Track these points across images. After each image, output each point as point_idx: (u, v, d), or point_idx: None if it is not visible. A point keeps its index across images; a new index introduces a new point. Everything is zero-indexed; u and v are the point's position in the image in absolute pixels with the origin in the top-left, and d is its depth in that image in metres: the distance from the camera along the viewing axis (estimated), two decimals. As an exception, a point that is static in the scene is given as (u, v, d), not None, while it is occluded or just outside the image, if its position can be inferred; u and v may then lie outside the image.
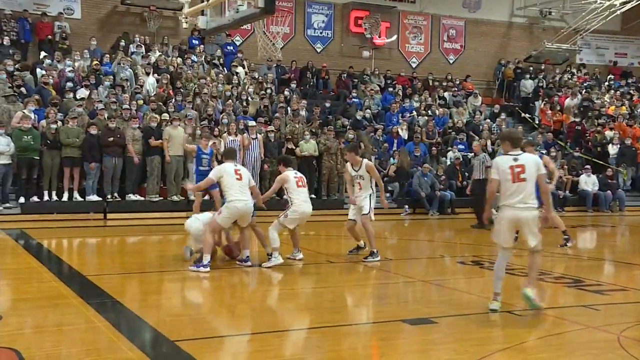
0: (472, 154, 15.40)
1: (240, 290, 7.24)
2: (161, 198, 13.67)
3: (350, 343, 4.97)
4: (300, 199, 8.14)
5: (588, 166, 17.95)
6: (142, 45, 17.41)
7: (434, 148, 17.26)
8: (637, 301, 6.70)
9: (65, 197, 12.88)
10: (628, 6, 20.67)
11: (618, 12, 20.98)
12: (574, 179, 17.77)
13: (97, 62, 16.04)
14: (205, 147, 11.39)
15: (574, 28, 22.24)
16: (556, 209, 16.61)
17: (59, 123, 13.00)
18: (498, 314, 5.69)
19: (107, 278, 7.53)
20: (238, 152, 13.93)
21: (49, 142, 12.65)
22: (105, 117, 13.47)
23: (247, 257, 7.92)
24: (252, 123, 14.82)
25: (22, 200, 12.57)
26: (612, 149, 18.96)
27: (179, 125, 13.75)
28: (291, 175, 8.23)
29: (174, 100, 15.40)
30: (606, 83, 23.19)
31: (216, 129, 14.37)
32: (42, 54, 15.96)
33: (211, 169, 9.15)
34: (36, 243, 10.10)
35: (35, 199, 12.68)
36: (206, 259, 7.48)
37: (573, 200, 17.46)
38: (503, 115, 19.99)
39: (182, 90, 15.95)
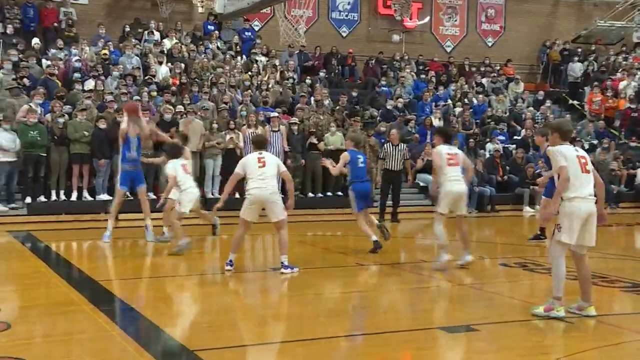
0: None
1: (262, 296, 7.28)
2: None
3: (383, 353, 4.96)
4: (448, 178, 8.17)
5: (647, 158, 17.65)
6: (155, 32, 17.56)
7: (471, 140, 17.10)
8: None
9: (74, 197, 13.06)
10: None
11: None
12: (630, 172, 17.47)
13: (106, 50, 16.22)
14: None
15: (631, 2, 21.73)
16: (610, 205, 16.47)
17: (66, 117, 13.19)
18: (544, 321, 5.63)
19: (119, 283, 7.64)
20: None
21: (56, 137, 12.84)
22: (115, 109, 13.61)
23: (283, 263, 7.86)
24: (273, 114, 14.85)
25: (28, 200, 12.77)
26: (675, 139, 18.61)
27: (195, 118, 13.84)
28: (443, 151, 8.30)
29: (189, 90, 15.51)
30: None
31: (232, 122, 14.44)
32: (34, 40, 16.01)
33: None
34: (44, 246, 10.28)
35: (42, 198, 12.88)
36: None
37: (629, 195, 17.15)
38: (548, 103, 19.73)
39: (197, 80, 16.07)
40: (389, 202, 13.59)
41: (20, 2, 17.14)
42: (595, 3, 23.18)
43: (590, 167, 5.80)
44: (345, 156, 9.61)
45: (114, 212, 10.55)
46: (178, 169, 9.36)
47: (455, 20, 22.68)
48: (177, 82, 15.93)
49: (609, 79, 21.14)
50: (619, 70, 21.59)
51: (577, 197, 5.66)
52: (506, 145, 17.27)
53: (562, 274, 5.74)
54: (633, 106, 19.81)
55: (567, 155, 5.73)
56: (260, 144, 8.14)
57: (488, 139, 17.40)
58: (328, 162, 10.39)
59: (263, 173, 7.73)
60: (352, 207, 9.48)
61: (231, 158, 14.17)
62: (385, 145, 13.70)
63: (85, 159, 13.04)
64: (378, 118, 17.24)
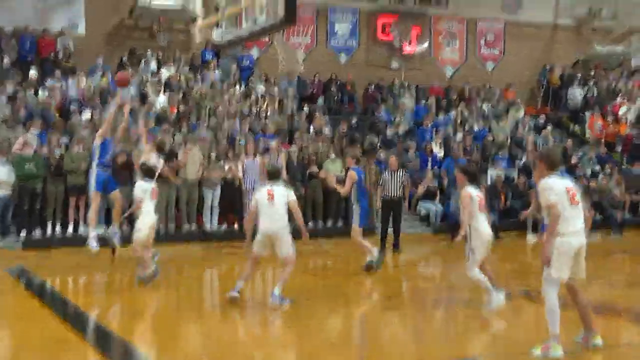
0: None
1: (259, 329, 7.16)
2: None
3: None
4: (481, 224, 7.73)
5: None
6: (152, 61, 17.63)
7: (472, 165, 17.05)
8: None
9: (70, 229, 12.98)
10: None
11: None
12: (633, 198, 17.39)
13: (105, 79, 16.25)
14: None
15: (628, 28, 21.89)
16: (614, 232, 16.39)
17: (63, 148, 13.17)
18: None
19: (117, 319, 7.52)
20: (259, 175, 14.04)
21: (52, 169, 12.80)
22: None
23: (274, 293, 7.83)
24: (272, 143, 14.85)
25: (23, 233, 12.68)
26: (678, 164, 18.55)
27: (193, 148, 13.82)
28: (474, 194, 7.84)
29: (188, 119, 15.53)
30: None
31: (231, 151, 14.43)
32: (31, 71, 16.03)
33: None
34: (39, 281, 10.16)
35: (38, 231, 12.79)
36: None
37: (634, 222, 17.03)
38: (549, 128, 19.74)
39: (195, 108, 16.09)
40: (390, 230, 13.45)
41: (18, 34, 17.23)
42: (593, 28, 23.31)
43: (579, 197, 5.75)
44: (352, 175, 9.93)
45: (93, 219, 10.25)
46: (147, 194, 9.09)
47: (455, 45, 22.80)
48: (175, 110, 15.95)
49: (609, 104, 21.18)
50: (619, 95, 21.65)
51: (567, 232, 5.60)
52: (508, 171, 17.21)
53: (556, 310, 5.62)
54: (635, 131, 19.81)
55: (556, 190, 5.66)
56: (273, 175, 8.25)
57: (490, 165, 17.36)
58: (333, 180, 10.54)
59: (271, 207, 7.83)
60: (355, 222, 9.78)
61: (230, 188, 14.18)
62: (384, 172, 13.64)
63: (82, 190, 12.96)
64: (378, 145, 17.22)
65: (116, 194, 10.37)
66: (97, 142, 10.06)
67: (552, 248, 5.62)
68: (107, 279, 10.08)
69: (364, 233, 10.95)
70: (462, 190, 7.84)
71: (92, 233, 10.13)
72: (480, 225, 7.64)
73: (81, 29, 18.35)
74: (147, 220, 9.02)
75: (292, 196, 8.06)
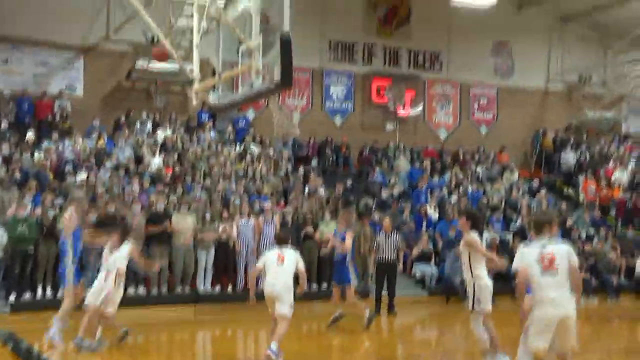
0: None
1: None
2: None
3: None
4: (484, 271, 7.58)
5: (645, 247, 17.56)
6: (148, 123, 17.80)
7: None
8: None
9: (61, 292, 12.77)
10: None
11: (664, 78, 21.15)
12: (629, 263, 17.33)
13: (102, 141, 16.34)
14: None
15: (618, 94, 22.37)
16: (610, 297, 16.26)
17: (58, 210, 13.12)
18: None
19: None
20: (253, 237, 14.02)
21: (45, 230, 12.71)
22: (105, 200, 13.59)
23: (272, 348, 7.78)
24: (267, 204, 14.86)
25: (12, 296, 12.45)
26: (671, 227, 18.63)
27: (187, 214, 13.81)
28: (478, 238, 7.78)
29: (182, 180, 15.57)
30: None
31: (225, 212, 14.41)
32: (28, 134, 16.08)
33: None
34: (27, 347, 9.91)
35: (27, 295, 12.58)
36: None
37: (630, 286, 16.92)
38: (543, 191, 19.86)
39: (190, 169, 16.15)
40: (384, 293, 13.33)
41: (16, 97, 17.43)
42: (583, 94, 23.80)
43: (560, 264, 5.61)
44: (351, 234, 10.86)
45: (65, 318, 9.71)
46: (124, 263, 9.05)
47: (449, 109, 23.13)
48: (171, 171, 16.00)
49: (602, 168, 21.40)
50: (611, 160, 21.90)
51: (540, 300, 5.52)
52: (503, 234, 17.19)
53: None
54: (628, 195, 19.95)
55: (527, 256, 5.67)
56: (283, 240, 8.64)
57: (485, 228, 17.34)
58: (336, 241, 11.13)
59: (280, 269, 8.15)
60: (352, 280, 10.68)
61: (224, 250, 14.08)
62: (378, 234, 13.61)
63: (74, 252, 12.86)
64: (373, 207, 17.24)
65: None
66: (68, 235, 9.60)
67: (524, 313, 5.64)
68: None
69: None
70: (466, 235, 7.61)
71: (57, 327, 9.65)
72: (484, 274, 7.53)
73: (79, 91, 18.61)
74: (119, 295, 9.02)
75: (301, 262, 8.43)
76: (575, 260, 5.75)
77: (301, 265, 8.38)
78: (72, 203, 10.16)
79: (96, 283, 9.04)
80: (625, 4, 20.54)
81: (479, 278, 7.44)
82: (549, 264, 5.56)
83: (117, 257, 9.03)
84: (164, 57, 10.29)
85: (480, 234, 8.25)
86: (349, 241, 11.11)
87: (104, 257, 9.09)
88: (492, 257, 7.63)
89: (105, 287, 8.91)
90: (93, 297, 8.97)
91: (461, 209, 8.70)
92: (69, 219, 9.62)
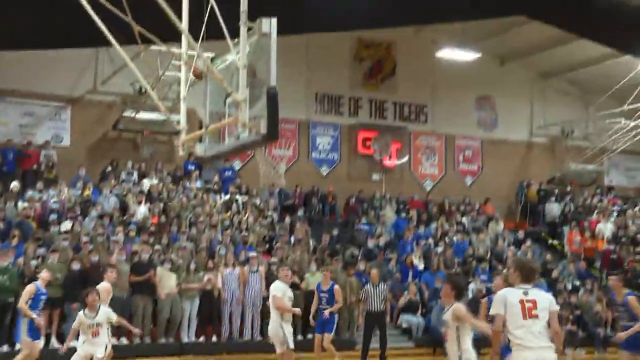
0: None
1: None
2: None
3: None
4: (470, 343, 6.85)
5: (631, 300, 17.58)
6: (134, 172, 17.85)
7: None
8: None
9: (41, 343, 12.56)
10: (656, 127, 21.30)
11: (644, 132, 21.58)
12: (614, 315, 17.33)
13: (89, 192, 16.32)
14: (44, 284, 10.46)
15: (600, 148, 22.78)
16: (598, 349, 16.22)
17: (40, 259, 13.02)
18: None
19: None
20: (238, 286, 14.02)
21: (27, 280, 12.57)
22: (90, 249, 13.53)
23: None
24: (252, 254, 14.85)
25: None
26: (656, 280, 18.71)
27: (171, 271, 13.79)
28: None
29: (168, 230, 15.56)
30: (638, 207, 23.28)
31: (211, 262, 14.38)
32: (13, 184, 16.03)
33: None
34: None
35: (4, 348, 12.35)
36: None
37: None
38: (528, 242, 19.98)
39: (176, 219, 16.14)
40: (376, 345, 13.25)
41: (0, 147, 17.43)
42: (566, 147, 24.21)
43: (541, 312, 5.61)
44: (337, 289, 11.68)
45: None
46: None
47: (434, 160, 23.38)
48: (156, 221, 15.98)
49: (586, 219, 21.62)
50: (595, 212, 22.14)
51: (520, 345, 5.50)
52: (489, 285, 17.20)
53: None
54: (612, 247, 20.10)
55: (508, 301, 5.64)
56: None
57: (470, 278, 17.37)
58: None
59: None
60: (332, 330, 11.51)
61: (209, 299, 14.00)
62: (365, 285, 13.61)
63: (57, 303, 12.73)
64: (359, 257, 17.26)
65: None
66: (32, 289, 10.15)
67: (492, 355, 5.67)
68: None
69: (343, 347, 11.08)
70: (456, 308, 6.85)
71: None
72: (471, 346, 6.89)
73: (65, 141, 18.66)
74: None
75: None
76: (556, 309, 5.75)
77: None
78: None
79: (98, 339, 8.92)
80: (602, 62, 21.15)
81: (468, 352, 6.82)
82: (529, 310, 5.56)
83: (108, 310, 9.12)
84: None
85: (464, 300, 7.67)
86: (339, 296, 11.77)
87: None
88: (484, 328, 7.24)
89: (105, 341, 8.97)
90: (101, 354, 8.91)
91: (448, 278, 8.29)
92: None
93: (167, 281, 13.56)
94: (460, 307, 6.88)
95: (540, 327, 5.56)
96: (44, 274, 10.52)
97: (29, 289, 10.21)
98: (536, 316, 5.56)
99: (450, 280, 7.45)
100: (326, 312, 11.70)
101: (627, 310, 8.75)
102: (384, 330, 13.28)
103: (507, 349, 5.85)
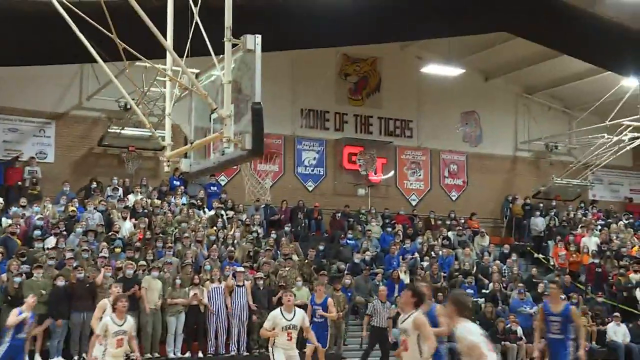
0: None
1: None
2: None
3: None
4: None
5: (617, 314, 17.72)
6: (119, 188, 17.84)
7: (439, 293, 17.12)
8: None
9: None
10: (638, 142, 21.62)
11: (628, 147, 21.90)
12: (600, 328, 17.48)
13: (73, 208, 16.28)
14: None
15: (583, 163, 23.06)
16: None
17: (24, 276, 12.97)
18: None
19: None
20: (224, 301, 14.05)
21: (10, 298, 12.52)
22: (74, 266, 13.49)
23: None
24: (239, 269, 14.88)
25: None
26: (640, 294, 18.91)
27: (156, 278, 13.79)
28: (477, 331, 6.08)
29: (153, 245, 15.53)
30: (622, 221, 23.57)
31: (196, 277, 14.38)
32: None
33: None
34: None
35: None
36: None
37: (602, 353, 17.02)
38: (514, 256, 20.13)
39: (161, 235, 16.13)
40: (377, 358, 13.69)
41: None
42: (551, 162, 24.49)
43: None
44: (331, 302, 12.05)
45: None
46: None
47: (420, 175, 23.53)
48: (141, 236, 15.96)
49: (570, 234, 21.83)
50: (579, 226, 22.37)
51: None
52: (475, 299, 17.31)
53: None
54: (596, 261, 20.29)
55: (478, 333, 5.67)
56: None
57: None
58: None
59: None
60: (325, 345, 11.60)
61: (194, 315, 13.99)
62: (374, 302, 14.17)
63: (41, 319, 12.66)
64: (345, 272, 17.30)
65: None
66: (15, 320, 10.12)
67: None
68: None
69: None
70: (416, 316, 6.54)
71: None
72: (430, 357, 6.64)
73: (50, 158, 18.62)
74: None
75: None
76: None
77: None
78: None
79: (120, 351, 8.60)
80: (584, 78, 21.49)
81: None
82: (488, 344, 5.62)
83: (132, 321, 9.05)
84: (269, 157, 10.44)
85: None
86: (333, 308, 12.15)
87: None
88: (442, 333, 7.29)
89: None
90: None
91: (408, 286, 8.03)
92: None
93: (152, 293, 13.52)
94: (421, 315, 6.76)
95: None
96: (30, 300, 10.45)
97: (15, 319, 10.14)
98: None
99: (410, 288, 7.40)
100: (319, 312, 12.19)
101: (562, 321, 8.41)
102: (387, 345, 13.63)
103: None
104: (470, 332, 5.56)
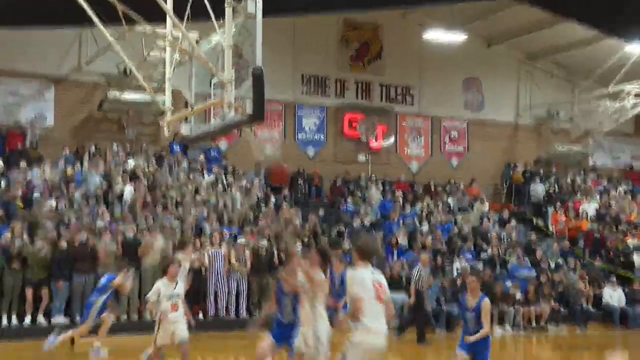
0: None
1: None
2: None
3: None
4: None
5: (613, 278, 18.01)
6: (120, 153, 17.92)
7: (438, 258, 17.37)
8: None
9: (27, 320, 12.77)
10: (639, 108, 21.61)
11: (630, 114, 21.88)
12: (596, 292, 17.77)
13: (71, 170, 16.41)
14: None
15: (585, 130, 23.08)
16: (579, 325, 16.66)
17: (26, 238, 13.14)
18: None
19: None
20: (223, 264, 14.25)
21: (12, 260, 12.71)
22: (76, 230, 13.65)
23: None
24: (240, 241, 15.03)
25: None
26: (637, 259, 19.14)
27: (158, 234, 13.93)
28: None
29: (153, 209, 15.68)
30: (622, 187, 23.72)
31: (197, 241, 14.56)
32: None
33: None
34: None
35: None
36: None
37: (597, 316, 17.36)
38: (513, 222, 20.32)
39: (162, 199, 16.27)
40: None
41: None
42: (552, 129, 24.50)
43: (385, 296, 5.48)
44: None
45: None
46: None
47: (420, 142, 23.58)
48: (143, 201, 16.10)
49: (570, 200, 21.99)
50: (579, 193, 22.51)
51: (367, 328, 5.30)
52: (473, 264, 17.53)
53: None
54: (595, 227, 20.49)
55: (365, 284, 5.42)
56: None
57: (455, 258, 17.69)
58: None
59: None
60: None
61: (195, 278, 14.17)
62: (419, 268, 14.03)
63: (43, 282, 12.89)
64: (345, 235, 17.48)
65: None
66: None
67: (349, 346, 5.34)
68: None
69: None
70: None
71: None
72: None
73: (50, 121, 18.63)
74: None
75: None
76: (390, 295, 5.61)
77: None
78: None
79: (177, 315, 8.35)
80: (588, 44, 21.39)
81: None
82: (379, 292, 5.43)
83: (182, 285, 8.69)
84: (282, 176, 9.38)
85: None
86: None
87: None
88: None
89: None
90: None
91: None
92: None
93: (154, 245, 13.67)
94: (320, 273, 6.61)
95: (382, 310, 5.45)
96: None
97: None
98: (382, 300, 5.45)
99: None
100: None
101: (477, 315, 7.62)
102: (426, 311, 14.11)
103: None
104: (357, 281, 5.40)
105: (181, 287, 8.44)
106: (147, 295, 8.50)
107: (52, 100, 18.80)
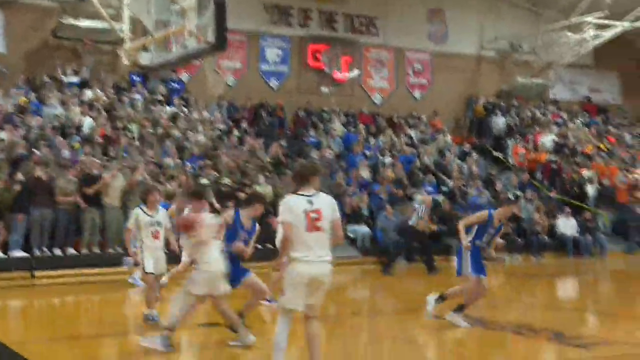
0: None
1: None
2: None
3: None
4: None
5: (567, 209, 18.51)
6: (75, 80, 17.36)
7: (400, 190, 17.55)
8: (623, 354, 6.90)
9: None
10: (600, 40, 21.68)
11: (590, 46, 21.97)
12: (551, 222, 18.27)
13: (25, 99, 15.88)
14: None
15: (547, 62, 23.17)
16: (534, 255, 17.20)
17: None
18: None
19: (34, 346, 7.36)
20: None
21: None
22: (33, 163, 13.34)
23: None
24: (204, 181, 14.83)
25: None
26: (591, 190, 19.66)
27: (118, 173, 13.73)
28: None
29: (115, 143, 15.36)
30: (579, 120, 24.10)
31: (160, 175, 14.38)
32: None
33: None
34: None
35: None
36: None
37: (552, 245, 17.92)
38: (474, 155, 20.54)
39: (123, 132, 15.92)
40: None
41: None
42: (514, 62, 24.50)
43: (324, 224, 5.21)
44: None
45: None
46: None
47: (384, 74, 23.40)
48: (103, 133, 15.73)
49: (530, 132, 22.27)
50: (538, 125, 22.80)
51: (297, 258, 5.17)
52: (434, 196, 17.77)
53: (279, 342, 5.23)
54: (553, 159, 20.88)
55: (294, 210, 5.19)
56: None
57: (417, 190, 17.88)
58: None
59: None
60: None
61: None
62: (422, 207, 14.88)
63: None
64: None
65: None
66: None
67: (281, 269, 5.38)
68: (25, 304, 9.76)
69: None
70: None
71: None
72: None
73: (2, 48, 17.89)
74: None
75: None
76: (338, 216, 5.39)
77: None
78: None
79: (159, 243, 8.12)
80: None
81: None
82: (314, 222, 5.18)
83: (165, 213, 8.44)
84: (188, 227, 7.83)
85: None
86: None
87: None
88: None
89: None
90: None
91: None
92: None
93: (114, 191, 13.55)
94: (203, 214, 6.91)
95: (323, 238, 5.23)
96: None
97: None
98: (319, 229, 5.20)
99: (193, 190, 7.91)
100: None
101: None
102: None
103: None
104: (286, 208, 5.26)
105: (163, 214, 8.21)
106: (126, 224, 8.37)
107: (2, 25, 17.99)
